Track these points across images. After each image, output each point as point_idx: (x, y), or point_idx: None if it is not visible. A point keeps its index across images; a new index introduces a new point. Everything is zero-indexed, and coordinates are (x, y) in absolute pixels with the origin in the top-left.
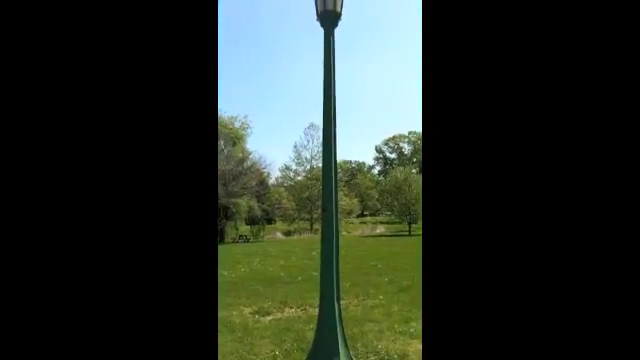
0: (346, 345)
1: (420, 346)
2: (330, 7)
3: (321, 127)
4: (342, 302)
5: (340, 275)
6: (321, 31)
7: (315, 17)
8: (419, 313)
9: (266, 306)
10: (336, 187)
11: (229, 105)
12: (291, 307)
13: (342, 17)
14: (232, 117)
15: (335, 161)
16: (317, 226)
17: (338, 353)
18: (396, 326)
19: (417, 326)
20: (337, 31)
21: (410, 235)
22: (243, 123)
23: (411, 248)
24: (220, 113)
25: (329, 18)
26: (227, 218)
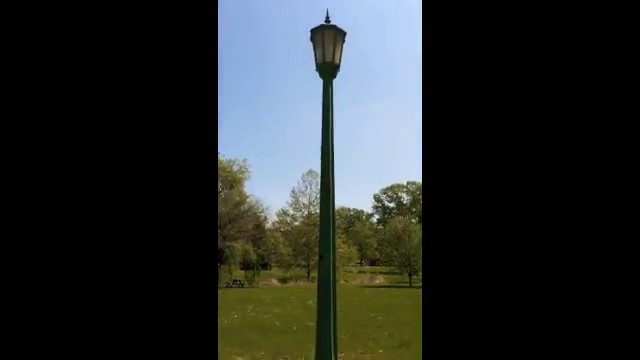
0: None
1: None
2: (329, 59)
3: (319, 173)
4: (339, 355)
5: (337, 326)
6: (320, 82)
7: (314, 68)
8: None
9: (259, 356)
10: (334, 234)
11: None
12: (285, 358)
13: (342, 67)
14: (231, 160)
15: (333, 208)
16: (314, 274)
17: None
18: None
19: None
20: (338, 79)
21: (410, 287)
22: (241, 167)
23: (412, 300)
24: (219, 156)
25: (328, 69)
26: (221, 262)
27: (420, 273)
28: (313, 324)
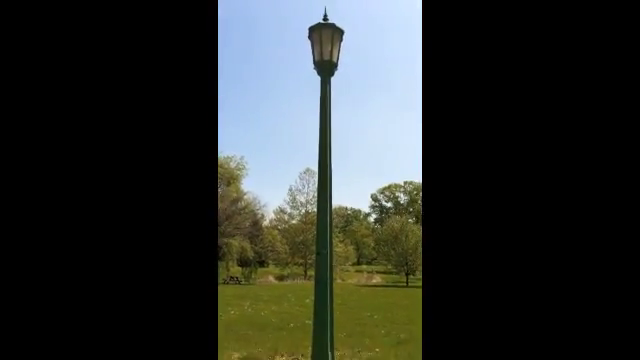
0: None
1: None
2: (327, 57)
3: (317, 172)
4: (336, 353)
5: (334, 324)
6: (318, 79)
7: (312, 65)
8: None
9: (256, 352)
10: (331, 232)
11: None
12: (282, 355)
13: (340, 65)
14: (228, 157)
15: (330, 206)
16: (311, 272)
17: None
18: None
19: None
20: (336, 79)
21: (407, 286)
22: (239, 164)
23: (409, 300)
24: None
25: (325, 67)
26: (218, 258)
27: (417, 273)
28: (310, 321)
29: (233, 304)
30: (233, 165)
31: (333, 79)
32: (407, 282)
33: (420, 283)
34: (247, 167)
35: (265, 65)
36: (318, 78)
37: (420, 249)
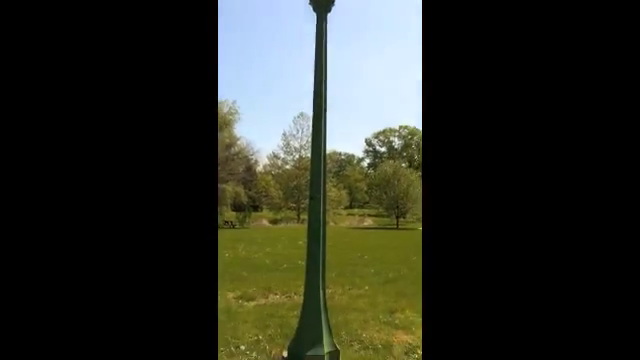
0: (330, 333)
1: (405, 337)
2: None
3: (311, 117)
4: (327, 291)
5: (326, 265)
6: (314, 16)
7: (307, 1)
8: (404, 304)
9: (250, 292)
10: (324, 177)
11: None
12: (275, 294)
13: (337, 3)
14: (220, 102)
15: (324, 151)
16: (304, 216)
17: (322, 340)
18: (381, 316)
19: (402, 317)
20: (333, 18)
21: (398, 229)
22: (231, 108)
23: (398, 241)
24: None
25: (321, 2)
26: None
27: (407, 216)
28: (303, 263)
29: (228, 247)
30: (225, 110)
31: (330, 16)
32: (397, 225)
33: (410, 225)
34: (239, 112)
35: (257, 3)
36: (314, 14)
37: (411, 193)
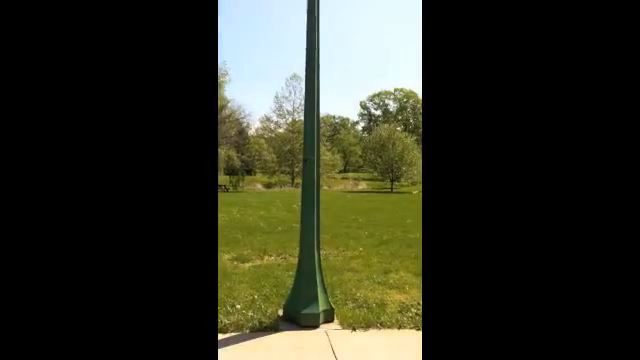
0: (325, 291)
1: (398, 296)
2: None
3: (304, 78)
4: (322, 252)
5: (320, 227)
6: None
7: None
8: (398, 265)
9: (245, 253)
10: (318, 139)
11: None
12: (270, 255)
13: None
14: None
15: (318, 112)
16: (298, 180)
17: (317, 299)
18: (375, 276)
19: (396, 277)
20: None
21: (392, 192)
22: (221, 68)
23: (392, 205)
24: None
25: None
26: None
27: (401, 179)
28: (297, 225)
29: (222, 210)
30: None
31: None
32: (392, 188)
33: (404, 189)
34: (230, 73)
35: None
36: None
37: (406, 156)
